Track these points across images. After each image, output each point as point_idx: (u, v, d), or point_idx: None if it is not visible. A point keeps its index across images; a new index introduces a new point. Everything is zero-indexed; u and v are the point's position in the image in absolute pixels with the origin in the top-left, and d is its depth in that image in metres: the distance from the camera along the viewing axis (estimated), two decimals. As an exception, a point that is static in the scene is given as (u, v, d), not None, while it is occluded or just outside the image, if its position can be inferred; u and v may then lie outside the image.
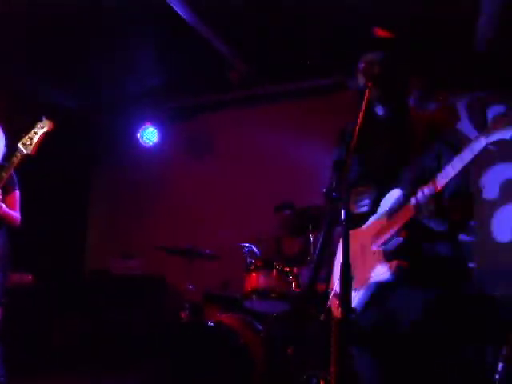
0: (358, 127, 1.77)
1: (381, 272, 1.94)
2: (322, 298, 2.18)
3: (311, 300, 2.13)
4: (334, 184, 2.29)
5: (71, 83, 6.04)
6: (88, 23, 4.68)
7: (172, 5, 4.27)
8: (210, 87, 6.12)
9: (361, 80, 1.99)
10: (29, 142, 2.87)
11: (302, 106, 5.83)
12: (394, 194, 1.98)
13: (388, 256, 1.95)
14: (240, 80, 5.75)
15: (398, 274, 1.89)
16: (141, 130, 6.39)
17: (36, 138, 2.89)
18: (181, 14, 4.39)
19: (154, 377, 4.21)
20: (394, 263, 1.90)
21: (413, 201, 1.83)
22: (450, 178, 1.73)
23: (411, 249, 1.94)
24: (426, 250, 1.98)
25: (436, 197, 1.77)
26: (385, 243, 1.96)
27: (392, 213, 1.96)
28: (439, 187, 1.76)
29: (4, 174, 2.85)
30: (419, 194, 1.80)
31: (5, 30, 4.64)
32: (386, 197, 2.01)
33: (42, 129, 2.92)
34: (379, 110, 2.13)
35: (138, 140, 6.44)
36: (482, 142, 1.63)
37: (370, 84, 1.91)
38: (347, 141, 1.88)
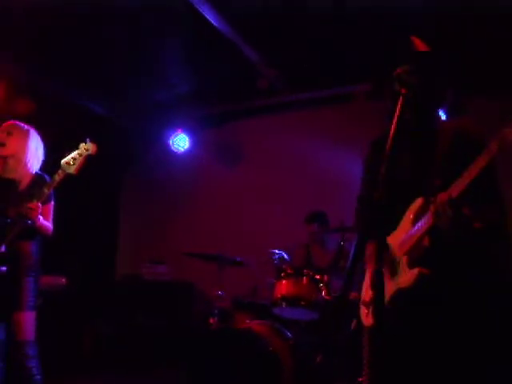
0: (391, 135, 1.77)
1: (404, 279, 1.94)
2: (353, 307, 2.17)
3: (342, 309, 2.13)
4: (367, 193, 2.30)
5: (102, 91, 6.16)
6: (119, 33, 4.79)
7: (201, 11, 4.31)
8: (240, 94, 6.16)
9: (395, 87, 1.98)
10: (72, 163, 2.93)
11: (332, 113, 5.82)
12: (418, 203, 1.98)
13: (412, 263, 1.95)
14: (269, 87, 5.77)
15: (419, 281, 1.88)
16: (172, 137, 6.46)
17: (79, 160, 2.95)
18: (210, 20, 4.43)
19: (181, 383, 4.24)
20: (416, 270, 1.90)
21: (431, 208, 1.82)
22: (466, 183, 1.71)
23: (435, 256, 1.92)
24: (451, 257, 1.95)
25: (453, 203, 1.75)
26: (409, 251, 1.96)
27: (416, 221, 1.96)
28: (456, 193, 1.74)
29: (46, 191, 2.92)
30: (437, 201, 1.79)
31: (38, 36, 4.76)
32: (411, 205, 2.01)
33: (86, 151, 2.97)
34: (410, 119, 2.12)
35: (168, 147, 6.51)
36: (495, 146, 1.61)
37: (403, 91, 1.90)
38: (379, 149, 1.87)
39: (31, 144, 3.18)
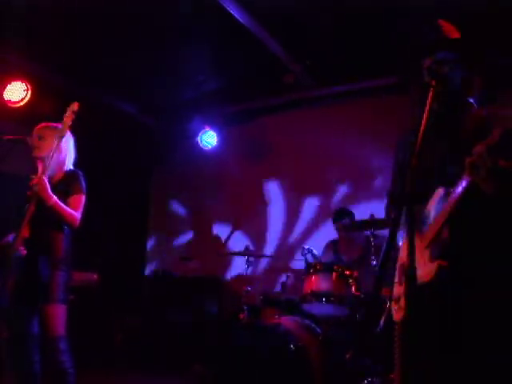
0: (422, 129, 1.73)
1: (424, 273, 1.88)
2: (384, 304, 2.14)
3: (373, 306, 2.09)
4: (398, 185, 2.26)
5: (130, 90, 6.23)
6: (145, 32, 4.83)
7: (226, 7, 4.32)
8: (266, 90, 6.15)
9: (425, 78, 1.95)
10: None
11: (359, 108, 5.76)
12: (439, 193, 1.94)
13: (433, 256, 1.89)
14: (295, 82, 5.75)
15: (439, 274, 1.82)
16: (200, 134, 6.49)
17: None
18: (236, 16, 4.43)
19: (211, 378, 4.27)
20: (435, 263, 1.84)
21: (466, 163, 1.74)
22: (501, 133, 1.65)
23: (455, 247, 1.87)
24: (473, 247, 1.91)
25: (492, 152, 1.67)
26: (431, 243, 1.92)
27: (438, 211, 1.91)
28: (493, 142, 1.67)
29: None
30: (473, 153, 1.71)
31: (64, 37, 4.85)
32: (433, 197, 1.97)
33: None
34: (439, 109, 2.08)
35: (196, 144, 6.54)
36: None
37: (433, 82, 1.86)
38: (409, 141, 1.84)
39: (63, 143, 3.25)
